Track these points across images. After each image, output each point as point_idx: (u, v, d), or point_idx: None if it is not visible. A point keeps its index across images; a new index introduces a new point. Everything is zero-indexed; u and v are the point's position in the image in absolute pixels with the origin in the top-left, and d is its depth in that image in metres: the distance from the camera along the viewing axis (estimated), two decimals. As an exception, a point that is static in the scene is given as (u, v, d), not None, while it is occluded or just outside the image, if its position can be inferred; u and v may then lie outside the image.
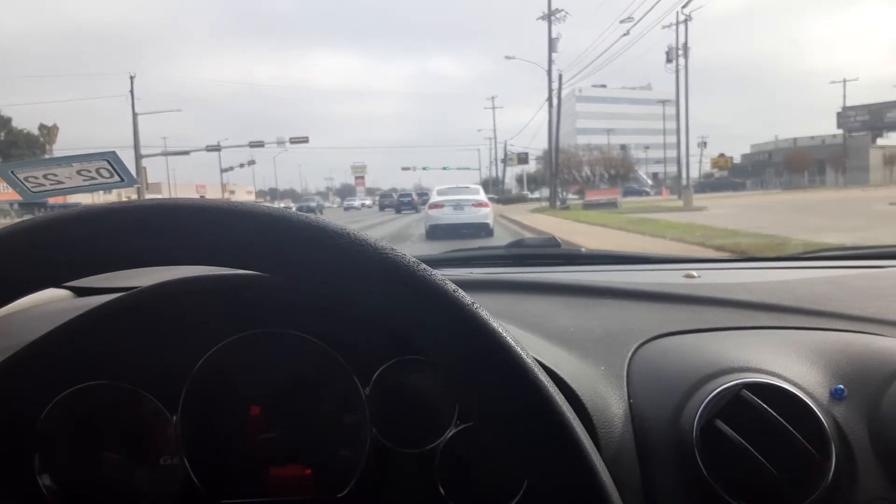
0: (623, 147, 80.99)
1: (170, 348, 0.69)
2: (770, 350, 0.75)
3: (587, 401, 0.65)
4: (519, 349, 0.42)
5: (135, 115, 33.57)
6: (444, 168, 67.40)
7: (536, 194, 61.32)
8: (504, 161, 59.01)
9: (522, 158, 59.38)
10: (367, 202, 53.49)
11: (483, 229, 13.37)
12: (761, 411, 0.63)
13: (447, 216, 13.40)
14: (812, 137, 73.24)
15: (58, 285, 0.40)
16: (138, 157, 34.15)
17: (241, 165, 51.27)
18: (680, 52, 32.39)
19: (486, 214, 13.80)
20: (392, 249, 0.42)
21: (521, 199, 49.23)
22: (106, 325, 0.68)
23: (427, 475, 0.69)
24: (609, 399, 0.70)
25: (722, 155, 62.88)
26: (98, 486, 0.68)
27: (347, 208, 49.86)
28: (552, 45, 34.63)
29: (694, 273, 1.10)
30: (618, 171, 53.10)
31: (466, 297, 0.43)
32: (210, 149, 39.78)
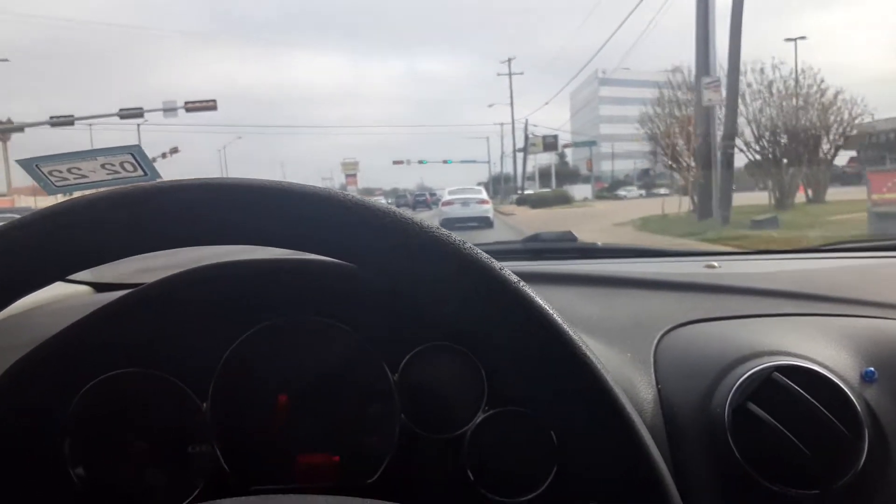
0: (652, 137, 71.47)
1: (199, 336, 0.69)
2: (798, 335, 0.75)
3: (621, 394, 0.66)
4: (569, 329, 0.42)
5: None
6: (446, 161, 53.23)
7: (584, 193, 43.88)
8: (524, 149, 43.67)
9: (550, 143, 44.44)
10: None
11: (485, 221, 16.94)
12: (793, 393, 0.63)
13: (457, 211, 17.13)
14: None
15: (116, 259, 0.41)
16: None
17: (164, 155, 33.14)
18: None
19: (488, 210, 17.70)
20: (438, 227, 0.42)
21: (563, 200, 30.82)
22: (133, 314, 0.68)
23: (456, 461, 0.69)
24: (638, 385, 0.70)
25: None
26: (128, 475, 0.68)
27: None
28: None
29: (715, 264, 1.10)
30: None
31: (512, 276, 0.43)
32: (56, 123, 25.33)
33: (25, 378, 0.65)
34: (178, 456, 0.69)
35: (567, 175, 51.51)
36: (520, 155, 45.80)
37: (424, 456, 0.70)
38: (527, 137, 44.30)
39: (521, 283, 0.43)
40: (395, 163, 53.87)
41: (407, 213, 0.43)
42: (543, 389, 0.43)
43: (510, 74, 47.01)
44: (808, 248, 1.39)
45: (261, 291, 0.71)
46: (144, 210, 0.40)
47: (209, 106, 26.82)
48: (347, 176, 64.69)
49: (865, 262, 1.17)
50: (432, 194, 42.49)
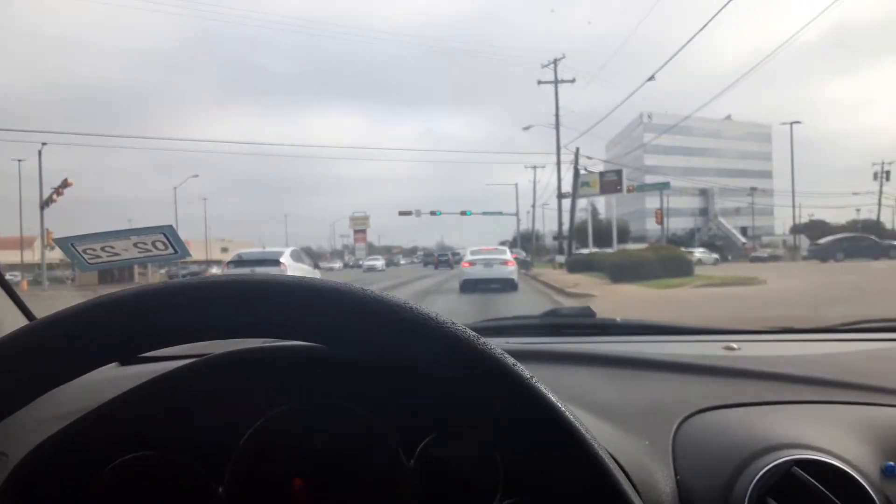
0: (703, 192, 63.25)
1: (218, 419, 0.70)
2: (818, 425, 0.74)
3: (635, 477, 0.65)
4: (579, 424, 0.43)
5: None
6: (464, 213, 44.46)
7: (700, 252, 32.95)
8: (574, 188, 30.77)
9: (610, 182, 32.54)
10: (380, 263, 40.82)
11: (509, 283, 15.65)
12: (812, 489, 0.62)
13: (479, 272, 15.95)
14: None
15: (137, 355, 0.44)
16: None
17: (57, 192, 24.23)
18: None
19: (512, 271, 16.36)
20: (453, 323, 0.43)
21: (674, 268, 17.71)
22: (160, 396, 0.70)
23: None
24: (656, 475, 0.69)
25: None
26: None
27: (368, 269, 39.69)
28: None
29: (734, 345, 1.09)
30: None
31: (525, 372, 0.43)
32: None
33: (49, 459, 0.66)
34: None
35: (602, 233, 37.98)
36: (561, 199, 32.43)
37: None
38: (577, 173, 30.50)
39: (535, 380, 0.43)
40: (402, 213, 43.83)
41: (424, 308, 0.43)
42: (553, 481, 0.43)
43: (556, 82, 31.58)
44: (829, 328, 1.37)
45: (278, 377, 0.72)
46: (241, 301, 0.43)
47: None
48: (356, 232, 55.69)
49: (888, 345, 1.15)
50: (454, 254, 39.44)
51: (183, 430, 0.70)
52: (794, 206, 42.09)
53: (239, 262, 13.61)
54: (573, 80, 31.98)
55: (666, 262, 18.02)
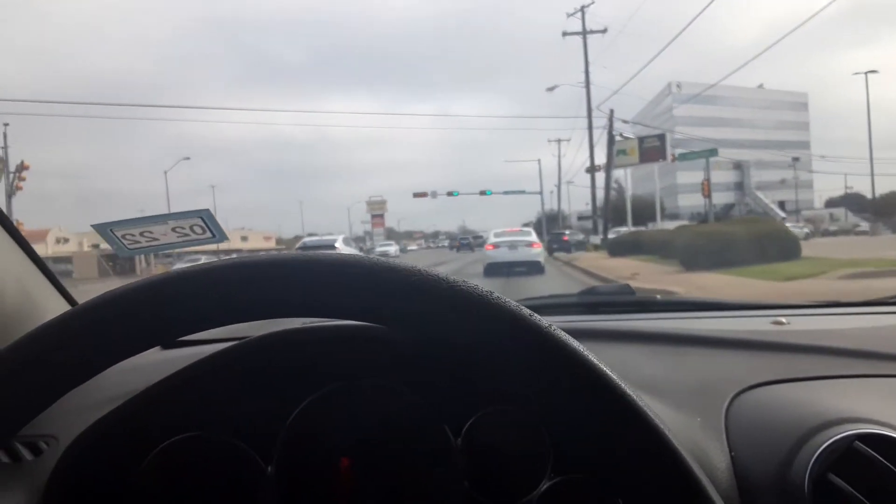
0: (738, 165, 59.29)
1: (265, 401, 0.70)
2: (875, 399, 0.72)
3: (689, 454, 0.64)
4: (635, 396, 0.42)
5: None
6: (483, 192, 41.27)
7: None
8: (608, 159, 26.88)
9: (651, 149, 27.12)
10: (393, 249, 38.91)
11: (535, 266, 15.00)
12: (876, 464, 0.60)
13: (503, 255, 15.29)
14: None
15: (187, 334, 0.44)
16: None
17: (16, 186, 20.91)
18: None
19: (538, 254, 15.74)
20: (502, 297, 0.43)
21: (782, 250, 12.33)
22: (202, 379, 0.70)
23: None
24: (710, 452, 0.67)
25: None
26: None
27: (380, 256, 42.42)
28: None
29: (783, 320, 1.06)
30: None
31: (573, 341, 0.43)
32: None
33: (97, 442, 0.67)
34: None
35: (623, 211, 33.43)
36: (594, 170, 28.39)
37: None
38: (611, 138, 26.06)
39: (578, 346, 0.43)
40: (417, 195, 41.33)
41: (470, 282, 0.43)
42: (608, 454, 0.42)
43: (584, 33, 27.36)
44: (878, 301, 1.32)
45: (326, 356, 0.72)
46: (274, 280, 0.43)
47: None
48: (374, 216, 53.70)
49: None
50: (476, 237, 39.64)
51: (229, 412, 0.70)
52: (871, 175, 36.79)
53: (303, 248, 16.63)
54: (604, 31, 27.88)
55: (763, 240, 12.66)
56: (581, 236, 30.62)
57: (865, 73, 39.01)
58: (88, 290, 1.06)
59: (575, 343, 0.43)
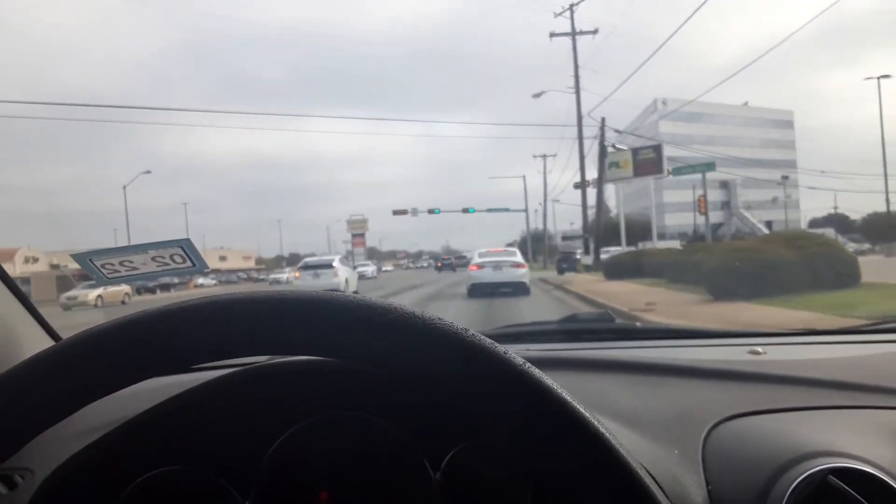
0: (724, 184, 58.15)
1: (244, 433, 0.70)
2: (849, 432, 0.73)
3: (667, 488, 0.64)
4: (608, 434, 0.42)
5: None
6: (466, 210, 40.37)
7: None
8: (600, 172, 25.46)
9: (646, 161, 25.17)
10: (370, 270, 37.53)
11: (520, 287, 14.60)
12: (849, 498, 0.61)
13: (487, 276, 14.90)
14: None
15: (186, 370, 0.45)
16: None
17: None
18: None
19: (524, 274, 15.29)
20: (467, 330, 0.43)
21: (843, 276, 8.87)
22: (185, 410, 0.70)
23: None
24: (687, 486, 0.68)
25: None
26: None
27: (360, 277, 39.85)
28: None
29: (759, 349, 1.08)
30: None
31: (547, 380, 0.43)
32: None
33: (75, 475, 0.66)
34: None
35: (612, 230, 30.80)
36: (584, 185, 26.53)
37: None
38: (603, 149, 24.47)
39: (558, 388, 0.43)
40: (397, 213, 40.33)
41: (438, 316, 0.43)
42: (582, 487, 0.43)
43: (574, 34, 25.87)
44: (853, 329, 1.34)
45: (303, 390, 0.72)
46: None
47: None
48: (354, 237, 51.98)
49: None
50: (458, 257, 39.51)
51: (209, 444, 0.70)
52: (886, 191, 33.57)
53: (305, 267, 18.02)
54: (595, 31, 26.24)
55: (815, 262, 9.80)
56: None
57: (878, 77, 35.43)
58: (48, 314, 1.06)
59: (547, 380, 0.43)
